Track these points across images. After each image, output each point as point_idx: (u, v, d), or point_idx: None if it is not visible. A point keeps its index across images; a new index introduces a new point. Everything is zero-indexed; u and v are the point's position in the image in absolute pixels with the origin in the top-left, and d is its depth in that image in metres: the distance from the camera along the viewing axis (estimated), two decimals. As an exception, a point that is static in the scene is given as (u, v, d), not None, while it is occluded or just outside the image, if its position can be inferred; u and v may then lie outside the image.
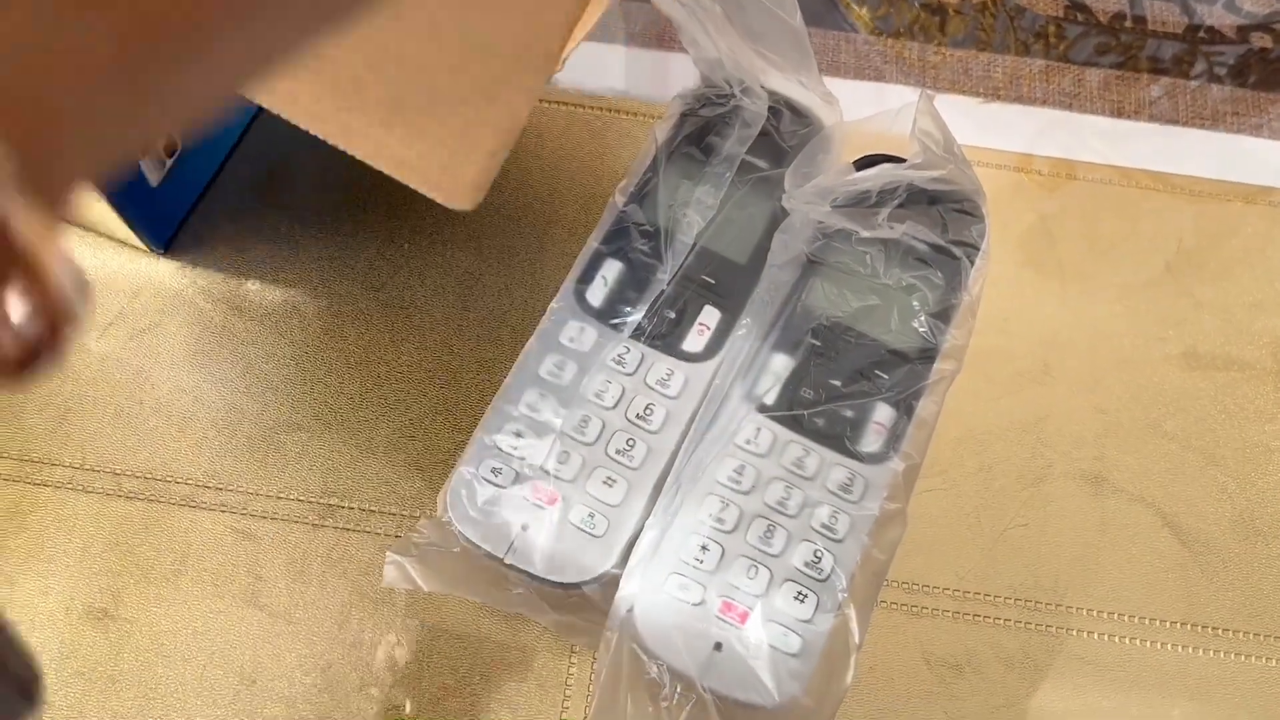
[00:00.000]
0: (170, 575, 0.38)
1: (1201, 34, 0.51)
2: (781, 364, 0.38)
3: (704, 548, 0.35)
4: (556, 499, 0.36)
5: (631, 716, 0.34)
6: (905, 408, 0.38)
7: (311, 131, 0.30)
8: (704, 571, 0.35)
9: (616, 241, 0.39)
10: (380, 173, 0.30)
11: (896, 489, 0.37)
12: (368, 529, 0.39)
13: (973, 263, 0.39)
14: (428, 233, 0.43)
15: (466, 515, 0.35)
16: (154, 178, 0.40)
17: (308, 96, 0.30)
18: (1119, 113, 0.49)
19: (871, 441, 0.37)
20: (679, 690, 0.34)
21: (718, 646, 0.34)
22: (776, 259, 0.39)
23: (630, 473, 0.36)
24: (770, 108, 0.41)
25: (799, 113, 0.41)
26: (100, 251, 0.42)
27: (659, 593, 0.35)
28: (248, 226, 0.43)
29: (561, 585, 0.35)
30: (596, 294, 0.38)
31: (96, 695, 0.36)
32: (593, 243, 0.39)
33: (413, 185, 0.31)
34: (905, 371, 0.38)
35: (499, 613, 0.38)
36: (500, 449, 0.36)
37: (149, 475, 0.39)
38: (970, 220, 0.40)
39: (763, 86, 0.41)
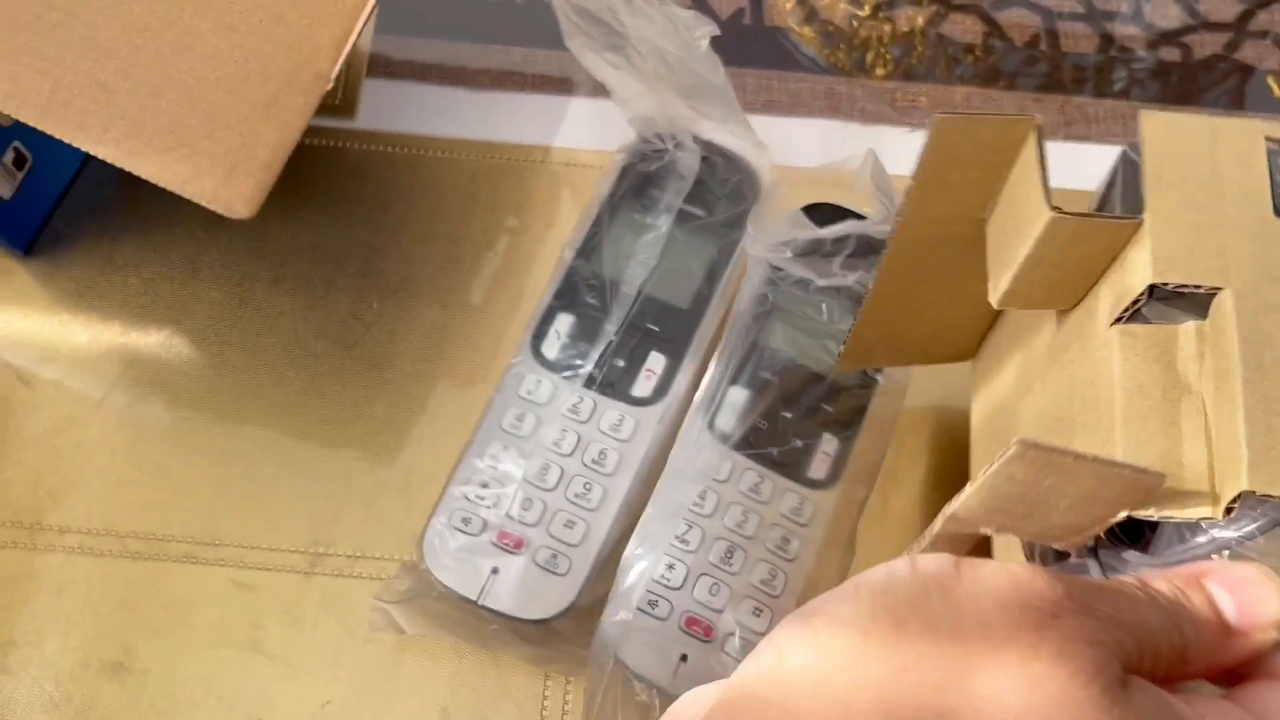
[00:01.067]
0: (177, 627, 0.41)
1: (1113, 51, 0.54)
2: (741, 398, 0.41)
3: (670, 566, 0.39)
4: (523, 543, 0.39)
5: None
6: (848, 438, 0.42)
7: (99, 156, 0.34)
8: (671, 589, 0.39)
9: (567, 295, 0.43)
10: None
11: (841, 514, 0.41)
12: (354, 574, 0.42)
13: None
14: (394, 290, 0.47)
15: (441, 562, 0.39)
16: (5, 191, 0.44)
17: (96, 124, 0.34)
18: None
19: (819, 469, 0.41)
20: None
21: (683, 658, 0.38)
22: (744, 305, 0.42)
23: (589, 513, 0.40)
24: (703, 158, 0.44)
25: (731, 160, 0.45)
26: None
27: (632, 610, 0.38)
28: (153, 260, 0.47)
29: (532, 621, 0.39)
30: (551, 347, 0.42)
31: (118, 742, 0.40)
32: (545, 297, 0.43)
33: (195, 200, 0.35)
34: (850, 406, 0.42)
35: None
36: (469, 499, 0.40)
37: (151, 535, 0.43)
38: None
39: (695, 138, 0.44)
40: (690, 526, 0.39)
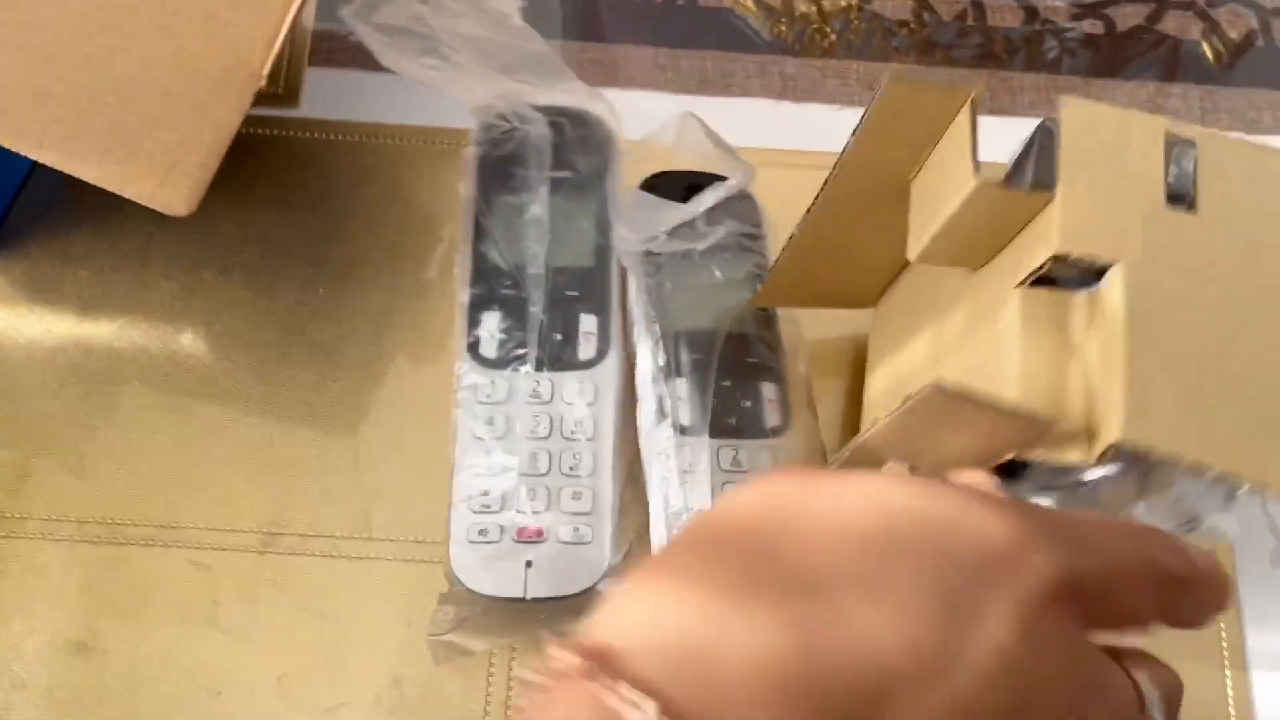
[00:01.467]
0: (138, 607, 0.43)
1: (1038, 25, 0.56)
2: (687, 390, 0.43)
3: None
4: (542, 530, 0.41)
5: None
6: (780, 378, 0.44)
7: (40, 160, 0.35)
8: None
9: (482, 295, 0.44)
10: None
11: (806, 447, 0.44)
12: (307, 552, 0.44)
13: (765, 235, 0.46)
14: (341, 276, 0.48)
15: (478, 577, 0.41)
16: None
17: (35, 129, 0.35)
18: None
19: (774, 417, 0.43)
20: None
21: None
22: (642, 301, 0.44)
23: (589, 480, 0.42)
24: (550, 123, 0.45)
25: (575, 116, 0.46)
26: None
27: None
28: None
29: (580, 594, 0.41)
30: (489, 347, 0.43)
31: (84, 717, 0.42)
32: (463, 305, 0.44)
33: (135, 200, 0.36)
34: (768, 349, 0.44)
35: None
36: (476, 512, 0.41)
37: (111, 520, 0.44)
38: (752, 203, 0.46)
39: (535, 108, 0.45)
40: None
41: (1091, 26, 0.56)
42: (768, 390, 0.43)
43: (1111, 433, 0.30)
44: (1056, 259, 0.32)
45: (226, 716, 0.42)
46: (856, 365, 0.47)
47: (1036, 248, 0.33)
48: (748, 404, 0.43)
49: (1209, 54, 0.57)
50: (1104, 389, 0.31)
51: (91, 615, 0.43)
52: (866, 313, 0.46)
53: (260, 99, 0.48)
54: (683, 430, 0.42)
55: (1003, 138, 0.51)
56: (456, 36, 0.43)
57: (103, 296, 0.47)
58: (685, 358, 0.43)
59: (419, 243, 0.49)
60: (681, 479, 0.41)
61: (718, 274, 0.44)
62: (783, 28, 0.56)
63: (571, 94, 0.46)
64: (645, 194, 0.44)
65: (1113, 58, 0.57)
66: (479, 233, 0.45)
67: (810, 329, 0.46)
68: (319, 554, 0.44)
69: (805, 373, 0.45)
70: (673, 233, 0.43)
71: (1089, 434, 0.31)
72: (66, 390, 0.46)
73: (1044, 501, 0.34)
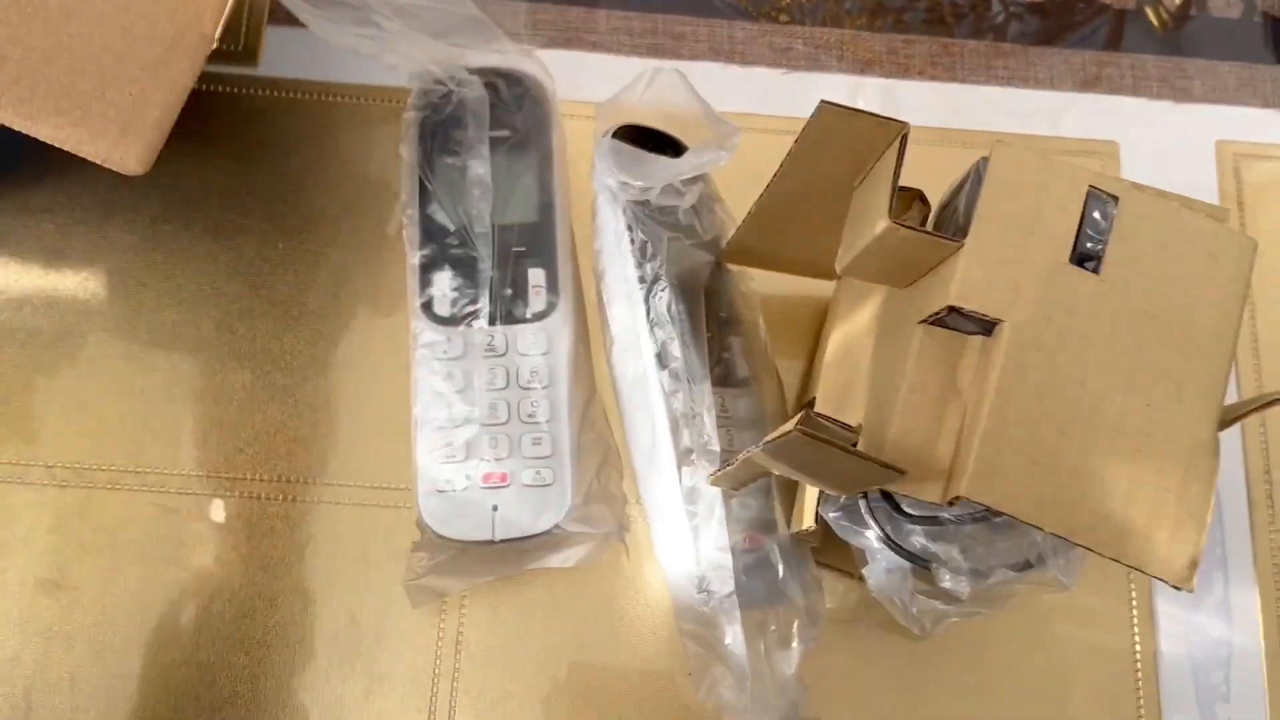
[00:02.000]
0: (105, 548, 0.45)
1: (980, -8, 0.57)
2: (678, 337, 0.44)
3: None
4: (506, 475, 0.43)
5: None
6: (741, 334, 0.46)
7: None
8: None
9: (431, 256, 0.46)
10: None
11: (771, 399, 0.46)
12: (267, 497, 0.46)
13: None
14: (298, 231, 0.50)
15: (448, 524, 0.43)
16: None
17: None
18: (902, 73, 0.55)
19: (743, 369, 0.46)
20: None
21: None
22: (626, 255, 0.45)
23: (547, 425, 0.44)
24: (485, 84, 0.46)
25: (509, 75, 0.47)
26: None
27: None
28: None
29: (546, 533, 0.43)
30: (442, 306, 0.45)
31: (56, 650, 0.44)
32: (413, 266, 0.46)
33: (91, 159, 0.37)
34: (731, 303, 0.47)
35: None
36: (441, 464, 0.43)
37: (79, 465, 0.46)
38: None
39: (470, 70, 0.46)
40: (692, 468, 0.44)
41: (1031, -5, 0.58)
42: (736, 343, 0.46)
43: (958, 486, 0.32)
44: (952, 309, 0.34)
45: (192, 649, 0.44)
46: (815, 325, 0.49)
47: (940, 291, 0.34)
48: (725, 355, 0.45)
49: (1154, 20, 0.59)
50: (966, 440, 0.33)
51: (61, 555, 0.45)
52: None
53: (220, 57, 0.50)
54: (686, 377, 0.44)
55: (937, 106, 0.54)
56: (387, 5, 0.44)
57: (65, 249, 0.49)
58: (675, 309, 0.45)
59: (376, 199, 0.50)
60: (686, 422, 0.43)
61: (699, 230, 0.46)
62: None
63: (505, 55, 0.47)
64: (629, 146, 0.45)
65: (1058, 24, 0.59)
66: (424, 195, 0.46)
67: (773, 288, 0.48)
68: (278, 498, 0.46)
69: (764, 328, 0.47)
70: (663, 188, 0.45)
71: (949, 477, 0.33)
72: (33, 340, 0.47)
73: (916, 530, 0.37)
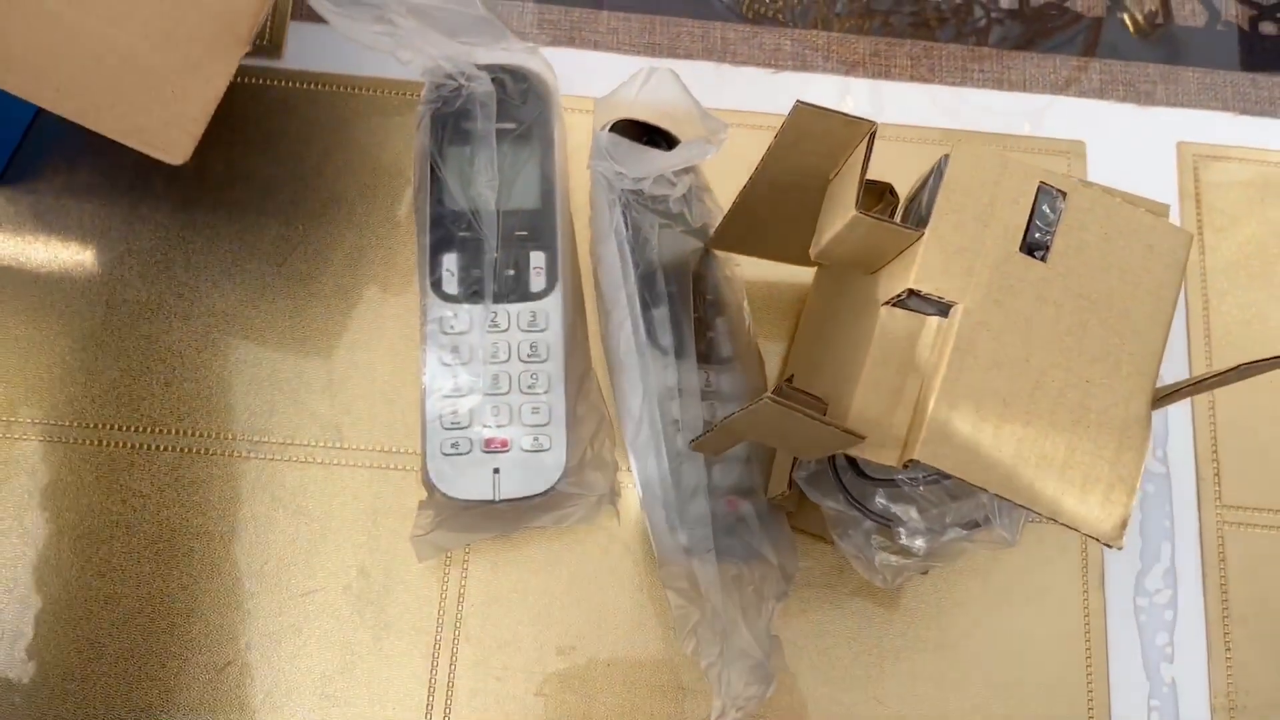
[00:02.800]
0: (135, 505, 0.49)
1: (959, -1, 0.61)
2: (667, 317, 0.48)
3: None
4: (506, 441, 0.47)
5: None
6: (726, 315, 0.50)
7: (58, 112, 0.41)
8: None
9: (441, 238, 0.49)
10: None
11: (753, 374, 0.50)
12: (285, 459, 0.50)
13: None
14: (318, 215, 0.53)
15: (454, 484, 0.47)
16: None
17: (49, 85, 0.41)
18: (885, 74, 0.59)
19: (726, 348, 0.49)
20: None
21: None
22: (618, 239, 0.49)
23: (544, 396, 0.48)
24: (493, 79, 0.50)
25: (514, 72, 0.51)
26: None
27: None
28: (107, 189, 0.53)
29: (542, 494, 0.47)
30: (450, 284, 0.49)
31: (91, 602, 0.48)
32: (424, 247, 0.49)
33: (138, 149, 0.42)
34: (715, 286, 0.50)
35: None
36: (447, 428, 0.47)
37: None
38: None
39: (478, 66, 0.50)
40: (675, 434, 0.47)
41: (1008, 1, 0.61)
42: (720, 324, 0.50)
43: (911, 451, 0.36)
44: (912, 292, 0.37)
45: (214, 595, 0.48)
46: (795, 309, 0.53)
47: (902, 276, 0.38)
48: (710, 334, 0.49)
49: (1130, 28, 0.63)
50: (920, 410, 0.37)
51: (91, 511, 0.49)
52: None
53: (249, 51, 0.54)
54: (674, 354, 0.48)
55: (917, 106, 0.57)
56: (402, 3, 0.47)
57: (103, 228, 0.53)
58: (664, 290, 0.48)
59: (390, 184, 0.54)
60: (672, 395, 0.47)
61: (688, 218, 0.50)
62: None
63: (511, 52, 0.50)
64: (625, 139, 0.49)
65: (1037, 30, 0.62)
66: (435, 182, 0.50)
67: (757, 274, 0.52)
68: (296, 460, 0.50)
69: (748, 310, 0.51)
70: (656, 179, 0.48)
71: (905, 444, 0.37)
72: (70, 311, 0.51)
73: (884, 492, 0.41)
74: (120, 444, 0.50)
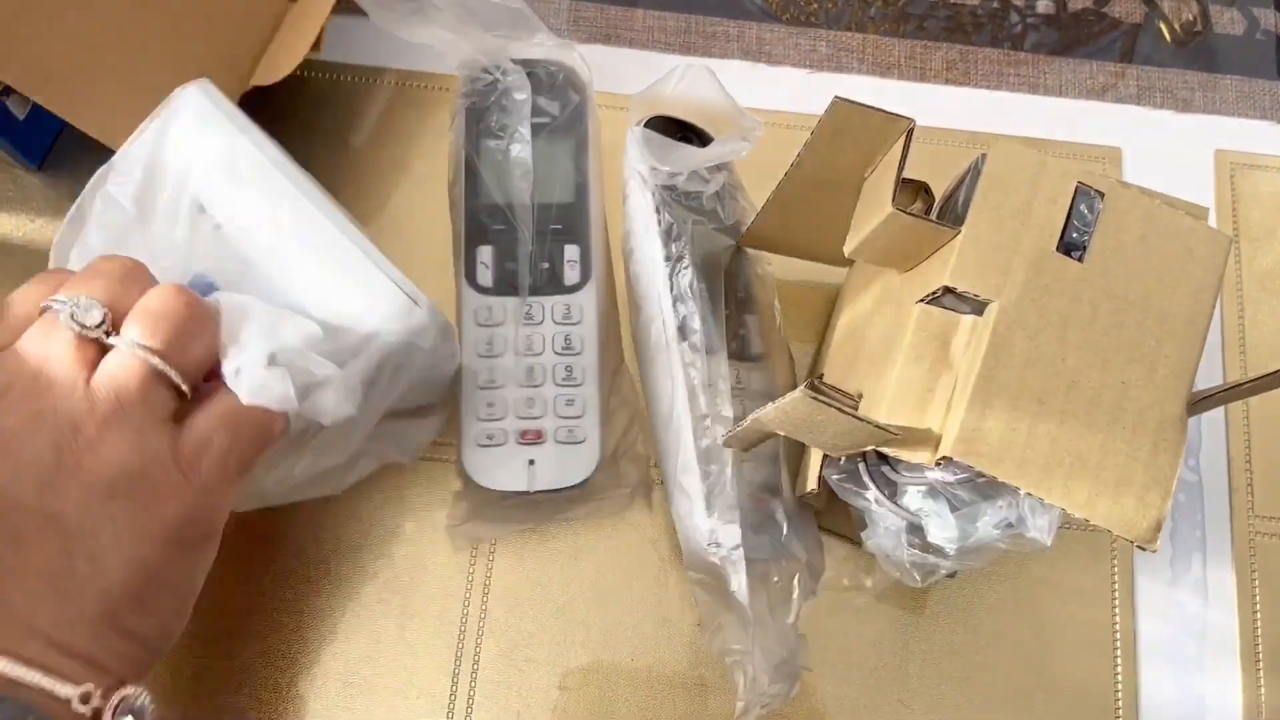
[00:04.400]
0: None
1: (995, 3, 0.61)
2: (700, 313, 0.48)
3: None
4: (541, 433, 0.47)
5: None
6: (754, 311, 0.50)
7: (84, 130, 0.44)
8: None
9: (475, 231, 0.49)
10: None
11: (782, 372, 0.50)
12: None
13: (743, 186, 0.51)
14: (351, 205, 0.54)
15: (489, 475, 0.47)
16: (19, 112, 0.51)
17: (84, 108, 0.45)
18: (920, 77, 0.59)
19: (757, 346, 0.49)
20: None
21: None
22: (652, 237, 0.49)
23: (578, 389, 0.48)
24: (528, 74, 0.50)
25: (549, 67, 0.51)
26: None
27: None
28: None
29: (577, 485, 0.47)
30: (485, 277, 0.49)
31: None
32: (459, 239, 0.49)
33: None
34: (747, 283, 0.50)
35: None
36: (482, 420, 0.47)
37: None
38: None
39: (514, 60, 0.50)
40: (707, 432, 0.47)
41: (1045, 7, 0.61)
42: (751, 321, 0.50)
43: (945, 447, 0.36)
44: (947, 290, 0.37)
45: (244, 581, 0.48)
46: (826, 309, 0.53)
47: (937, 274, 0.38)
48: (741, 331, 0.49)
49: (1166, 35, 0.62)
50: (953, 407, 0.37)
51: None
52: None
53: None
54: (705, 350, 0.47)
55: (952, 109, 0.57)
56: None
57: (142, 214, 0.53)
58: (696, 287, 0.48)
59: (425, 178, 0.54)
60: (703, 391, 0.47)
61: (721, 215, 0.50)
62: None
63: (546, 47, 0.51)
64: (659, 135, 0.49)
65: (1073, 36, 0.62)
66: (471, 175, 0.50)
67: (788, 273, 0.52)
68: (327, 447, 0.50)
69: (779, 309, 0.51)
70: (690, 175, 0.48)
71: (938, 441, 0.37)
72: None
73: (915, 490, 0.40)
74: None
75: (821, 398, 0.35)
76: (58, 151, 0.54)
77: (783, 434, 0.40)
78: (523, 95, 0.50)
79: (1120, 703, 0.49)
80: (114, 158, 0.41)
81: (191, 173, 0.40)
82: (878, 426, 0.36)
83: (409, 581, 0.49)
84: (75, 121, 0.45)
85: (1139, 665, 0.49)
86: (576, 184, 0.50)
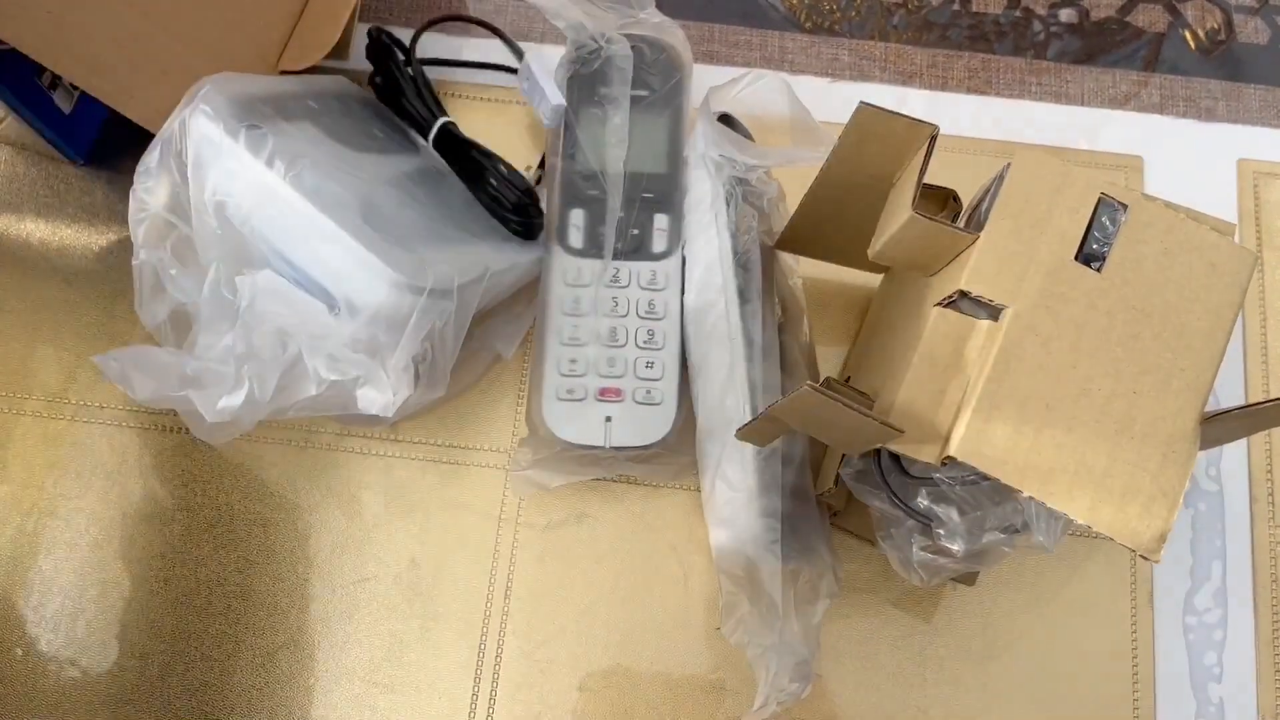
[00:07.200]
0: (190, 492, 0.51)
1: (1018, 12, 0.61)
2: (754, 299, 0.49)
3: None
4: (620, 391, 0.49)
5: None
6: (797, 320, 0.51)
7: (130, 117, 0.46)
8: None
9: (569, 193, 0.51)
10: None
11: (806, 358, 0.51)
12: (340, 449, 0.51)
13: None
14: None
15: (566, 428, 0.48)
16: (65, 106, 0.53)
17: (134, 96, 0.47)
18: (942, 86, 0.59)
19: (792, 354, 0.50)
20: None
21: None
22: (722, 222, 0.50)
23: (659, 352, 0.49)
24: (632, 46, 0.51)
25: (653, 43, 0.52)
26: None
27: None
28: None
29: (650, 446, 0.49)
30: (575, 238, 0.50)
31: (165, 574, 0.50)
32: (554, 201, 0.50)
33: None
34: (790, 298, 0.51)
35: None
36: (563, 374, 0.49)
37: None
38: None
39: (619, 32, 0.51)
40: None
41: (1068, 15, 0.61)
42: (789, 330, 0.51)
43: (950, 448, 0.36)
44: (962, 294, 0.38)
45: (269, 580, 0.49)
46: (855, 314, 0.54)
47: (955, 278, 0.39)
48: (782, 338, 0.50)
49: (1191, 44, 0.62)
50: (962, 408, 0.37)
51: (153, 495, 0.50)
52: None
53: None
54: (761, 352, 0.48)
55: (973, 117, 0.58)
56: None
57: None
58: (757, 285, 0.49)
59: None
60: (754, 390, 0.48)
61: (771, 223, 0.50)
62: (794, 1, 0.61)
63: (651, 24, 0.52)
64: (732, 130, 0.50)
65: (1096, 45, 0.62)
66: (568, 139, 0.51)
67: (820, 276, 0.53)
68: (352, 450, 0.51)
69: (808, 323, 0.51)
70: (759, 176, 0.50)
71: (945, 442, 0.37)
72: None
73: (926, 492, 0.41)
74: (182, 429, 0.51)
75: (826, 392, 0.36)
76: (100, 148, 0.55)
77: (796, 428, 0.40)
78: (625, 66, 0.51)
79: (1138, 710, 0.49)
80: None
81: (208, 177, 0.42)
82: (882, 423, 0.36)
83: (431, 583, 0.50)
84: (124, 110, 0.47)
85: (1157, 674, 0.49)
86: (670, 156, 0.51)
